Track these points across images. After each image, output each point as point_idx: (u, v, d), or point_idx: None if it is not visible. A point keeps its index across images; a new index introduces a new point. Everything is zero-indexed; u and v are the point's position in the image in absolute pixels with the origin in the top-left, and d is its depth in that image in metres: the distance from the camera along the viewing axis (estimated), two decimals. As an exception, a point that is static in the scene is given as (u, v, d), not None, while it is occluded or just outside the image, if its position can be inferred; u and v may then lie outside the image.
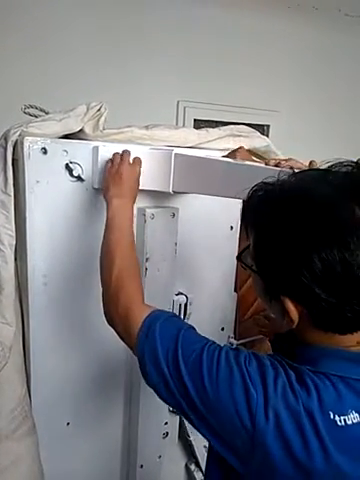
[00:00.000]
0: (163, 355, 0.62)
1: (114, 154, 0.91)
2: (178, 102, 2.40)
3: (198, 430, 0.61)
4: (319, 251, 0.51)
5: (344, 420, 0.54)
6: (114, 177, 0.87)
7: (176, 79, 2.32)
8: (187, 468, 1.36)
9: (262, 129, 2.60)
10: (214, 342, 0.63)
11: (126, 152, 0.91)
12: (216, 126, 1.25)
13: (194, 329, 0.67)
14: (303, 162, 0.86)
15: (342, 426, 0.54)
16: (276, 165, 0.83)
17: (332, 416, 0.54)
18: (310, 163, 0.85)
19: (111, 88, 1.97)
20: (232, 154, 1.13)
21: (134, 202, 0.89)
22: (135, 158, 0.92)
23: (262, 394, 0.55)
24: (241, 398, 0.55)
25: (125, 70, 2.21)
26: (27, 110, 1.09)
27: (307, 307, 0.55)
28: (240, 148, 1.15)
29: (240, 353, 0.60)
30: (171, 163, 0.93)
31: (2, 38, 1.98)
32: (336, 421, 0.54)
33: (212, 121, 2.42)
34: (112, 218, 0.82)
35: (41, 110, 1.09)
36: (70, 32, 2.09)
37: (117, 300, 0.73)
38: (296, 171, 0.61)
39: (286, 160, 0.85)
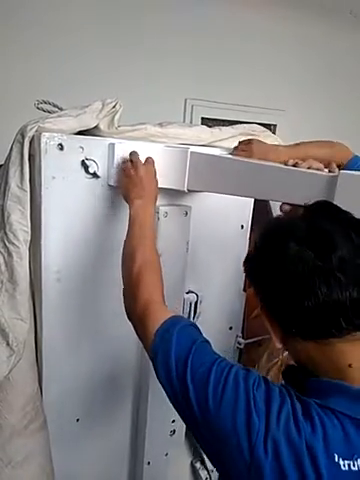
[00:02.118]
0: (174, 362, 0.61)
1: (130, 155, 0.91)
2: (186, 100, 2.39)
3: (200, 445, 0.61)
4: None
5: (348, 465, 0.52)
6: (133, 179, 0.87)
7: (184, 77, 2.31)
8: (192, 466, 1.37)
9: (269, 128, 2.59)
10: (225, 359, 0.62)
11: (136, 154, 0.91)
12: (223, 124, 1.24)
13: (209, 343, 0.67)
14: (321, 163, 0.86)
15: (345, 471, 0.51)
16: (294, 165, 0.82)
17: (336, 459, 0.52)
18: (329, 164, 0.85)
19: (119, 86, 1.96)
20: (244, 148, 1.06)
21: (155, 201, 0.89)
22: (148, 158, 0.92)
23: (264, 423, 0.53)
24: (242, 424, 0.54)
25: (133, 68, 2.21)
26: (40, 105, 1.08)
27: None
28: (252, 141, 1.06)
29: (250, 375, 0.59)
30: (187, 161, 0.93)
31: (15, 36, 1.97)
32: (340, 465, 0.52)
33: (219, 120, 2.42)
34: (134, 218, 0.83)
35: (54, 105, 1.09)
36: (81, 32, 2.09)
37: (136, 297, 0.73)
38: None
39: (304, 160, 0.85)
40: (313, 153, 0.98)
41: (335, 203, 0.61)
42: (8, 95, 1.94)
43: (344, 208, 0.60)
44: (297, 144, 1.08)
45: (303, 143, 1.08)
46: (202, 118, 2.42)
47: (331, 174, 0.68)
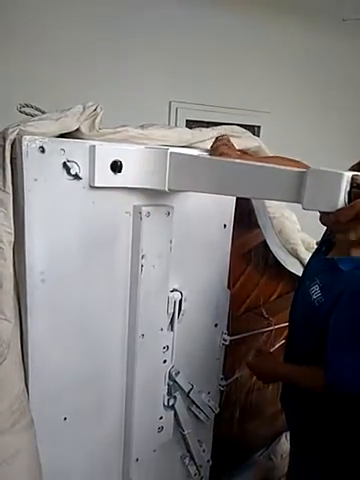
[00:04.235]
0: None
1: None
2: (170, 103, 2.42)
3: None
4: None
5: None
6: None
7: (168, 80, 2.34)
8: (181, 462, 1.39)
9: (253, 130, 2.63)
10: None
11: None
12: (208, 127, 1.27)
13: None
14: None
15: None
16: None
17: None
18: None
19: (104, 88, 1.99)
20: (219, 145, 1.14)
21: None
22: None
23: None
24: None
25: (117, 71, 2.23)
26: (23, 109, 1.10)
27: None
28: (223, 137, 1.17)
29: None
30: (167, 162, 0.95)
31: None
32: None
33: (204, 122, 2.45)
34: None
35: (37, 109, 1.10)
36: (63, 33, 2.10)
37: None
38: None
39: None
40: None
41: (305, 196, 0.64)
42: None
43: (313, 201, 0.63)
44: (267, 156, 1.19)
45: (274, 156, 1.20)
46: (187, 120, 2.45)
47: (301, 170, 0.72)
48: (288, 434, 1.82)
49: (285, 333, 1.70)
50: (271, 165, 0.78)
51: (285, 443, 1.84)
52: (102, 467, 1.19)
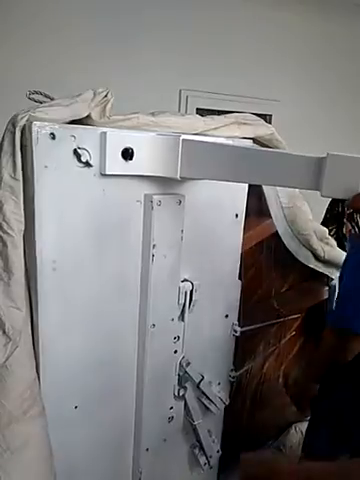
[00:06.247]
0: None
1: None
2: (181, 91, 2.39)
3: None
4: None
5: None
6: None
7: (179, 68, 2.31)
8: (191, 452, 1.39)
9: (264, 119, 2.58)
10: None
11: None
12: (219, 115, 1.24)
13: None
14: None
15: None
16: None
17: None
18: None
19: (114, 76, 1.96)
20: None
21: None
22: None
23: None
24: None
25: (128, 59, 2.20)
26: (32, 96, 1.08)
27: None
28: None
29: None
30: (179, 149, 0.93)
31: (14, 29, 1.97)
32: None
33: (214, 110, 2.41)
34: None
35: (46, 96, 1.08)
36: (75, 22, 2.08)
37: None
38: None
39: None
40: None
41: (324, 184, 0.62)
42: (7, 88, 1.94)
43: (332, 188, 0.60)
44: None
45: None
46: (197, 109, 2.42)
47: (320, 156, 0.69)
48: (298, 425, 1.82)
49: (296, 325, 1.68)
50: (287, 151, 0.76)
51: (294, 434, 1.84)
52: (112, 456, 1.19)
